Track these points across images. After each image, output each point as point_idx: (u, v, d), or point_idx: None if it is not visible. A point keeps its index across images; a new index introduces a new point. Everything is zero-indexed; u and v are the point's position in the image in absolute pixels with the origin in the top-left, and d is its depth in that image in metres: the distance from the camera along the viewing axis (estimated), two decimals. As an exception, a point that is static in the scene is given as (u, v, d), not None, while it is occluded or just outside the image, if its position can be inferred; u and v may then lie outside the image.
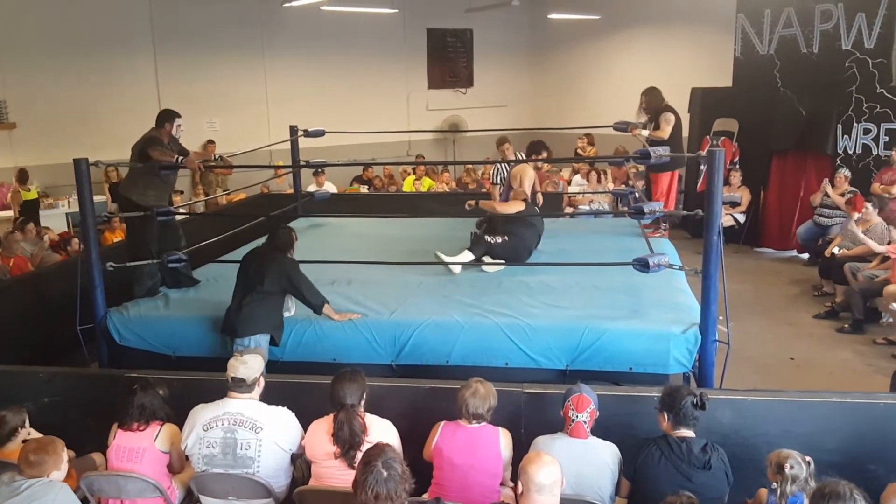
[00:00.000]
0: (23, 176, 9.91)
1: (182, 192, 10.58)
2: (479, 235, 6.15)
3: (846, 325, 6.88)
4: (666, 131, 7.27)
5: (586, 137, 12.63)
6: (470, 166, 12.49)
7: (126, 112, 10.53)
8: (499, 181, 7.61)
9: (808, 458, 3.16)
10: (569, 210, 10.39)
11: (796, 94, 9.15)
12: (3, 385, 4.40)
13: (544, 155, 7.05)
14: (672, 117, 7.37)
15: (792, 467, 3.08)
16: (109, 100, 11.04)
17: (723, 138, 9.95)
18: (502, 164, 7.52)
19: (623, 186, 10.29)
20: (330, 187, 10.64)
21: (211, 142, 11.65)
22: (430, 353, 4.89)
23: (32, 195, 9.87)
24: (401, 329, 4.92)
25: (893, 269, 6.70)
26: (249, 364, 3.57)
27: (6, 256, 7.19)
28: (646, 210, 4.96)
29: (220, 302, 5.11)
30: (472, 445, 3.37)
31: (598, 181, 11.21)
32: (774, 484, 3.12)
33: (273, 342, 4.83)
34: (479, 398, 3.39)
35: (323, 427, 3.45)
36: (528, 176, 6.75)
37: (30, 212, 9.40)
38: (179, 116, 5.97)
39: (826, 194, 8.50)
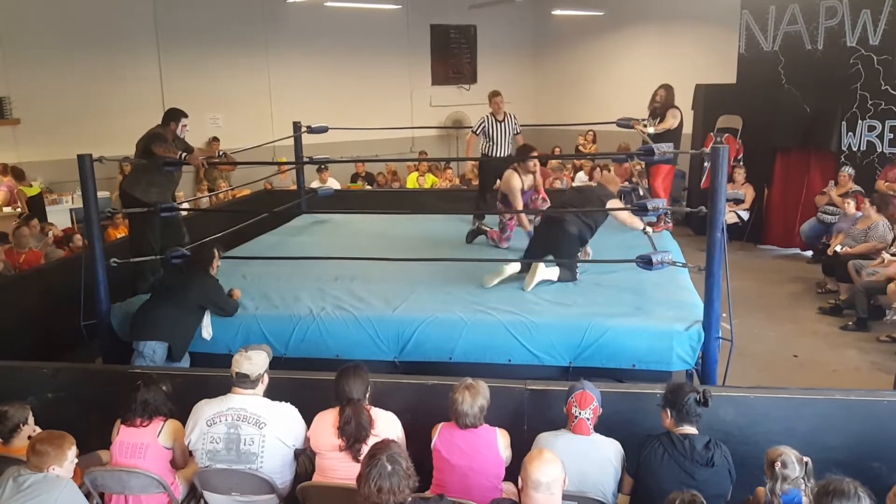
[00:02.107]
0: (18, 173, 9.90)
1: (182, 192, 10.56)
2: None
3: (850, 323, 6.87)
4: (672, 124, 7.28)
5: (590, 134, 12.60)
6: (473, 163, 12.48)
7: (130, 108, 10.53)
8: (480, 132, 7.58)
9: (805, 459, 3.15)
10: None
11: (800, 91, 9.12)
12: (8, 380, 4.41)
13: (532, 161, 6.63)
14: (679, 114, 7.37)
15: (784, 465, 3.09)
16: (113, 96, 11.03)
17: (726, 135, 9.93)
18: (489, 117, 7.52)
19: (626, 183, 10.27)
20: (333, 183, 10.64)
21: (215, 139, 11.65)
22: (433, 349, 4.89)
23: (35, 191, 9.87)
24: (404, 325, 4.93)
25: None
26: (254, 360, 3.57)
27: (19, 251, 7.22)
28: (649, 207, 4.95)
29: (224, 298, 5.16)
30: (471, 447, 3.36)
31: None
32: (768, 481, 3.14)
33: (170, 356, 4.83)
34: (467, 405, 3.34)
35: (329, 419, 3.47)
36: (511, 187, 6.51)
37: (35, 207, 9.41)
38: (186, 116, 5.99)
39: (830, 197, 8.50)
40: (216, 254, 5.14)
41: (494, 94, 7.64)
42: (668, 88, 7.54)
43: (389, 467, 2.61)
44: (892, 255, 6.94)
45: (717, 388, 4.14)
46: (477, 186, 8.41)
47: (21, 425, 3.67)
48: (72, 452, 3.26)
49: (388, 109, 13.40)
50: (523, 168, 6.55)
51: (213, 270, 5.13)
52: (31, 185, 9.94)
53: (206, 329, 5.01)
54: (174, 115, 5.97)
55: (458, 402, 3.36)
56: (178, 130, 5.93)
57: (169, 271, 5.33)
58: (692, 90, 10.25)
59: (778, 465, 3.11)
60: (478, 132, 7.61)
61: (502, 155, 7.47)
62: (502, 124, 7.54)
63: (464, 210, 8.84)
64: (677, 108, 7.42)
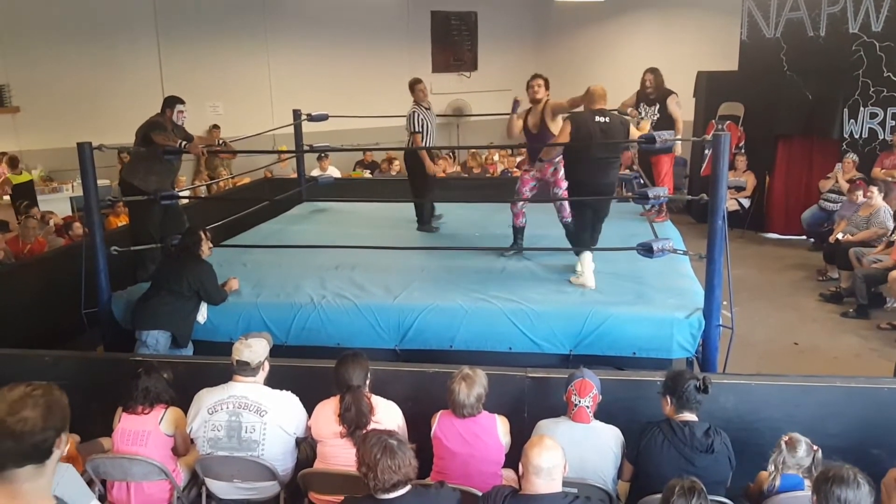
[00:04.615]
0: (13, 161, 9.87)
1: (184, 177, 10.55)
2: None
3: (850, 310, 6.87)
4: (680, 118, 7.21)
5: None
6: (475, 151, 12.46)
7: (129, 96, 10.50)
8: (419, 128, 6.93)
9: (815, 447, 3.18)
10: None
11: (802, 78, 9.09)
12: (9, 368, 4.42)
13: (532, 88, 5.91)
14: (679, 99, 7.31)
15: (792, 443, 3.16)
16: (113, 84, 10.99)
17: (728, 122, 9.89)
18: (418, 107, 7.01)
19: (626, 171, 10.25)
20: (333, 172, 10.62)
21: (216, 126, 11.61)
22: (433, 337, 4.90)
23: (25, 178, 9.85)
24: (404, 314, 4.93)
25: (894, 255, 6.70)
26: (254, 348, 3.58)
27: (25, 242, 7.23)
28: (650, 195, 4.94)
29: (224, 286, 5.16)
30: (471, 435, 3.38)
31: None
32: (773, 454, 3.20)
33: (175, 343, 4.87)
34: (464, 395, 3.35)
35: (330, 407, 3.48)
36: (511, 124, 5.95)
37: (25, 195, 9.39)
38: (182, 103, 5.96)
39: (835, 181, 8.47)
40: (203, 237, 5.09)
41: (417, 82, 7.16)
42: (654, 71, 7.42)
43: (387, 437, 2.67)
44: (892, 242, 6.93)
45: (718, 375, 4.15)
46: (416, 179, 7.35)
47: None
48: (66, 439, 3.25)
49: (388, 97, 13.27)
50: (529, 98, 5.94)
51: (206, 254, 5.09)
52: (21, 173, 9.91)
53: (201, 313, 5.03)
54: (170, 102, 5.96)
55: (455, 393, 3.37)
56: (174, 117, 5.92)
57: (164, 260, 5.33)
58: (694, 77, 10.21)
59: (785, 438, 3.17)
60: (420, 129, 6.96)
61: (432, 144, 7.16)
62: (430, 112, 7.13)
63: (464, 198, 8.83)
64: (674, 92, 7.35)
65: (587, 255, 5.30)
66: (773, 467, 3.18)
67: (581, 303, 4.95)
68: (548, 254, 5.89)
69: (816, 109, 9.01)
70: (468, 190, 9.72)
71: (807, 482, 3.15)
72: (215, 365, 4.13)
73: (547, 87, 5.96)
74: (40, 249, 7.23)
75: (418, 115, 6.96)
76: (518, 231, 6.16)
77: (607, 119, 5.25)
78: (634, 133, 5.43)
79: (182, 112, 5.97)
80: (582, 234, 5.45)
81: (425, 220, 7.21)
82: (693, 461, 3.19)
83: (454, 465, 3.37)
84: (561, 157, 5.57)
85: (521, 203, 6.03)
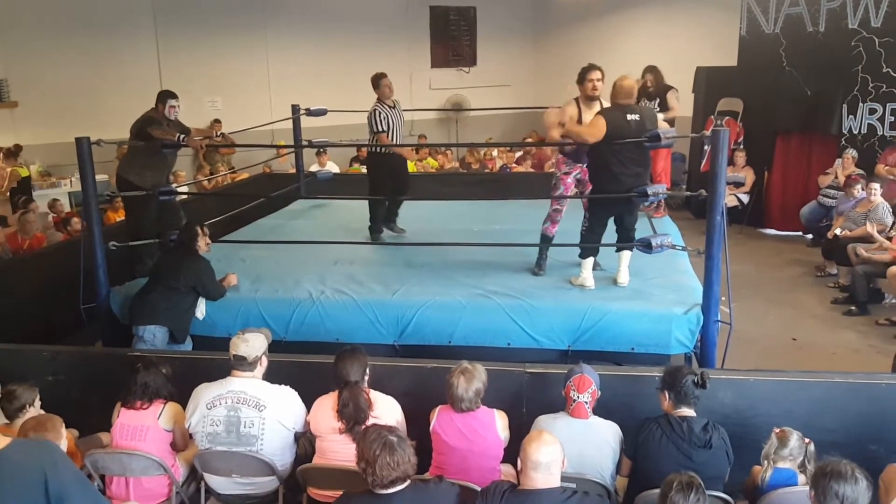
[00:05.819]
0: (16, 150, 9.85)
1: (183, 172, 10.52)
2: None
3: (852, 308, 6.85)
4: (678, 109, 7.22)
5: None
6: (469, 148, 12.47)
7: (128, 91, 10.45)
8: (385, 127, 6.38)
9: (807, 440, 3.19)
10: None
11: (802, 74, 9.07)
12: (8, 363, 4.42)
13: (591, 82, 5.25)
14: (678, 94, 7.32)
15: (783, 436, 3.18)
16: (111, 79, 10.97)
17: (727, 118, 9.87)
18: (382, 106, 6.45)
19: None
20: (332, 167, 10.61)
21: (217, 121, 11.59)
22: (432, 333, 4.91)
23: (24, 173, 9.83)
24: (403, 309, 4.94)
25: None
26: (251, 343, 3.58)
27: (23, 237, 7.22)
28: (649, 192, 4.93)
29: (223, 281, 5.15)
30: (470, 430, 3.38)
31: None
32: (765, 445, 3.22)
33: (173, 338, 4.87)
34: (462, 390, 3.35)
35: (328, 403, 3.48)
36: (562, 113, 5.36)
37: (22, 190, 9.37)
38: (174, 97, 5.94)
39: (836, 176, 8.47)
40: (199, 232, 5.07)
41: (382, 76, 6.50)
42: (654, 70, 7.46)
43: (388, 433, 2.68)
44: (888, 238, 6.92)
45: (716, 370, 4.16)
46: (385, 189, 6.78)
47: (27, 406, 3.67)
48: (64, 429, 3.26)
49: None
50: (583, 95, 5.38)
51: (203, 250, 5.07)
52: (21, 167, 9.88)
53: (200, 309, 5.02)
54: (161, 97, 5.95)
55: (453, 387, 3.37)
56: (165, 111, 5.90)
57: (162, 255, 5.33)
58: (693, 73, 10.19)
59: (777, 431, 3.20)
60: (385, 129, 6.40)
61: (400, 143, 6.65)
62: (394, 111, 6.48)
63: (462, 194, 8.83)
64: (674, 87, 7.38)
65: (589, 258, 5.26)
66: (765, 461, 3.20)
67: (579, 298, 4.95)
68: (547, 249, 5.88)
69: (815, 105, 8.99)
70: (466, 186, 9.70)
71: (800, 476, 3.16)
72: (214, 360, 4.13)
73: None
74: (39, 245, 7.24)
75: (381, 112, 6.40)
76: (546, 241, 5.56)
77: (638, 116, 4.87)
78: (661, 125, 5.08)
79: (174, 107, 5.93)
80: (590, 237, 5.22)
81: (378, 225, 6.73)
82: (691, 456, 3.19)
83: (453, 460, 3.37)
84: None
85: (564, 208, 5.53)
